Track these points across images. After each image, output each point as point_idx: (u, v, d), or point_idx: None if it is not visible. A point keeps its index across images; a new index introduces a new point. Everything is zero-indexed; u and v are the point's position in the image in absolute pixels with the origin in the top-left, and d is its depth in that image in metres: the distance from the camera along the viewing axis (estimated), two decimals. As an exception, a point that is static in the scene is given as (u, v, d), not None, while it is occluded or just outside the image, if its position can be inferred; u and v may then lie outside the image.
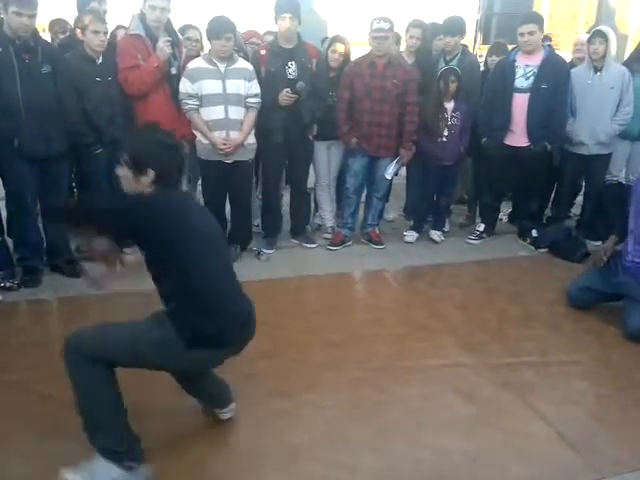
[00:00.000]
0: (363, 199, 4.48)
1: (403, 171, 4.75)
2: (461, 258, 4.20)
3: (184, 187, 4.05)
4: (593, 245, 4.34)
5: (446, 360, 2.83)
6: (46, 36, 4.13)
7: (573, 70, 4.34)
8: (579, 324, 3.24)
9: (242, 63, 3.74)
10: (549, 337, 3.09)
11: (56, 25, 4.12)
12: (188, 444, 2.20)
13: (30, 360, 2.72)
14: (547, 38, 5.14)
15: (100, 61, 3.49)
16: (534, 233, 4.42)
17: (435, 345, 2.98)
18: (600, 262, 3.32)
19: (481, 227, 4.56)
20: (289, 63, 3.85)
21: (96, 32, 3.39)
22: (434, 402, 2.50)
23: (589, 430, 2.35)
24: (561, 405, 2.50)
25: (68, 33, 4.15)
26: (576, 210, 4.91)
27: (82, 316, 3.15)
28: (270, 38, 4.34)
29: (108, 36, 3.59)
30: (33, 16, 3.12)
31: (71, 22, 4.23)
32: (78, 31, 3.53)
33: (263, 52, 3.93)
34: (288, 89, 3.77)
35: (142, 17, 3.60)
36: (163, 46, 3.54)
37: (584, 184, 4.66)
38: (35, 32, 3.30)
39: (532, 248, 4.39)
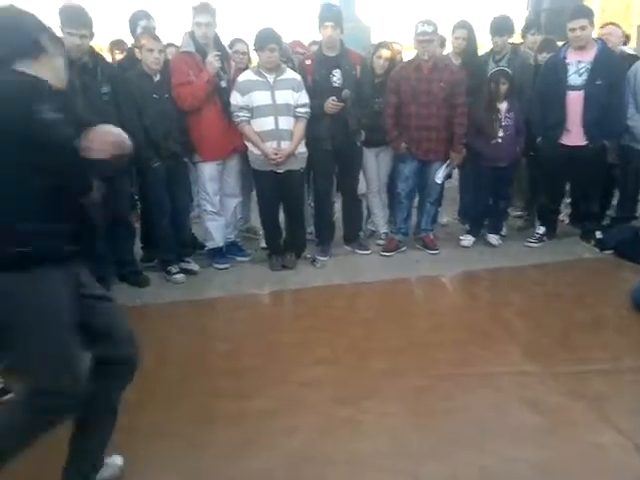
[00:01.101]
0: (416, 204, 4.43)
1: (456, 174, 4.68)
2: (520, 262, 4.08)
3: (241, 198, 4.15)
4: (662, 245, 4.14)
5: (510, 368, 2.74)
6: (106, 56, 4.30)
7: (637, 63, 4.16)
8: (651, 328, 3.08)
9: (290, 74, 3.79)
10: (619, 343, 2.95)
11: (115, 46, 4.31)
12: (252, 450, 2.22)
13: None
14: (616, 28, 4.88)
15: (157, 78, 3.62)
16: (598, 234, 4.25)
17: (498, 352, 2.89)
18: None
19: (541, 230, 4.41)
20: (333, 71, 3.88)
21: (151, 50, 3.52)
22: (499, 411, 2.42)
23: (669, 441, 2.22)
24: (637, 415, 2.37)
25: (125, 53, 4.31)
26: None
27: (145, 324, 3.26)
28: (315, 48, 4.39)
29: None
30: (84, 36, 3.24)
31: (129, 42, 4.42)
32: (137, 50, 3.67)
33: (308, 62, 3.98)
34: (334, 97, 3.79)
35: (192, 35, 3.71)
36: (212, 60, 3.63)
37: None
38: (94, 53, 3.45)
39: (597, 250, 4.22)
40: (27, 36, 1.67)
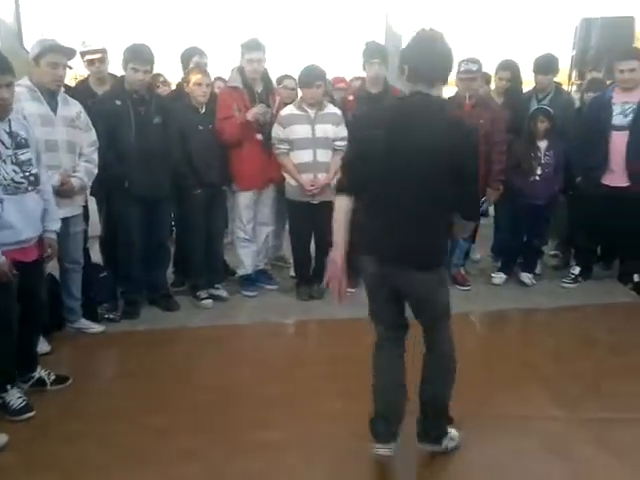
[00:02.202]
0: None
1: (491, 210, 4.64)
2: (554, 303, 3.99)
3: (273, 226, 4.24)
4: None
5: (536, 412, 2.68)
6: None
7: None
8: (688, 380, 2.95)
9: (331, 108, 3.90)
10: (653, 393, 2.84)
11: (153, 79, 4.53)
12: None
13: (127, 389, 2.91)
14: None
15: (203, 111, 3.79)
16: (637, 277, 4.12)
17: (525, 395, 2.83)
18: None
19: (576, 270, 4.31)
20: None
21: (199, 84, 3.70)
22: (520, 457, 2.36)
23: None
24: (666, 470, 2.28)
25: (162, 86, 4.52)
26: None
27: (173, 348, 3.36)
28: (357, 83, 4.49)
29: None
30: (148, 72, 3.51)
31: (167, 76, 4.65)
32: (185, 84, 3.86)
33: (351, 98, 4.07)
34: None
35: (241, 70, 3.87)
36: (257, 115, 3.75)
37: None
38: (150, 86, 3.68)
39: (634, 294, 4.09)
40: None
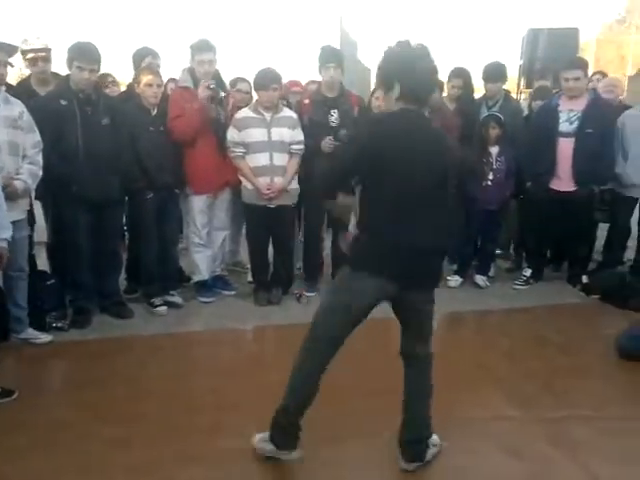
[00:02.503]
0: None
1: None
2: (507, 304, 4.09)
3: (229, 230, 4.17)
4: (649, 292, 4.15)
5: (492, 413, 2.72)
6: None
7: (626, 113, 4.30)
8: (634, 376, 3.07)
9: (287, 112, 3.88)
10: (603, 390, 2.94)
11: (101, 79, 4.41)
12: None
13: (77, 400, 2.79)
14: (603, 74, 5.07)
15: (155, 112, 3.69)
16: (585, 279, 4.28)
17: (481, 396, 2.88)
18: None
19: (528, 272, 4.44)
20: (332, 111, 3.96)
21: (150, 85, 3.60)
22: (478, 458, 2.39)
23: (649, 494, 2.19)
24: (618, 464, 2.35)
25: (111, 86, 4.40)
26: (630, 255, 4.72)
27: (126, 357, 3.24)
28: (313, 87, 4.49)
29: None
30: (94, 71, 3.38)
31: (118, 76, 4.52)
32: (136, 85, 3.75)
33: (307, 101, 4.06)
34: (331, 137, 3.85)
35: (191, 70, 3.80)
36: (202, 88, 3.69)
37: (637, 228, 4.49)
38: (97, 86, 3.55)
39: (583, 294, 4.24)
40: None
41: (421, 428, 2.31)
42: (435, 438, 2.37)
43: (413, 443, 2.29)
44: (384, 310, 2.30)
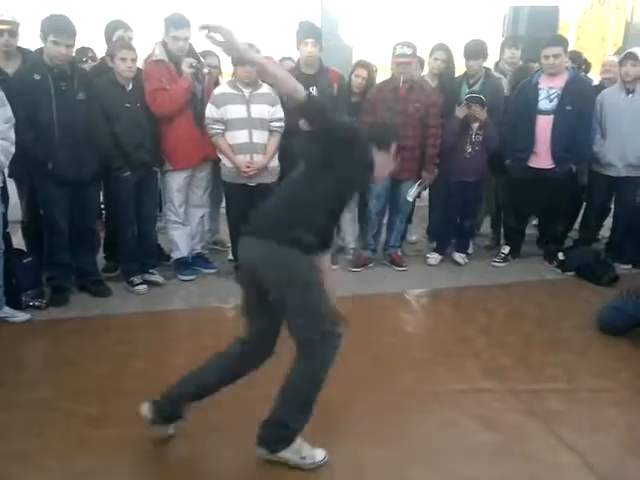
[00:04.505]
0: (385, 221, 4.48)
1: (426, 194, 4.74)
2: (485, 281, 4.15)
3: (208, 208, 4.14)
4: (622, 268, 4.25)
5: (468, 385, 2.77)
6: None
7: (604, 91, 4.31)
8: (609, 350, 3.15)
9: (266, 88, 3.81)
10: (577, 363, 3.01)
11: (81, 53, 4.30)
12: (203, 465, 2.18)
13: (56, 378, 2.78)
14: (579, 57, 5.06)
15: (130, 88, 3.60)
16: (561, 256, 4.34)
17: (458, 370, 2.93)
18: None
19: (506, 249, 4.50)
20: (310, 88, 3.90)
21: (124, 59, 3.50)
22: (455, 429, 2.45)
23: (619, 461, 2.27)
24: (590, 434, 2.42)
25: (90, 61, 4.28)
26: (605, 233, 4.81)
27: (106, 335, 3.22)
28: (289, 63, 4.43)
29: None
30: (70, 45, 3.29)
31: (97, 50, 4.40)
32: (108, 59, 3.66)
33: (285, 78, 4.00)
34: None
35: (165, 44, 3.71)
36: (187, 67, 3.64)
37: (613, 206, 4.57)
38: (72, 60, 3.46)
39: (559, 271, 4.31)
40: None
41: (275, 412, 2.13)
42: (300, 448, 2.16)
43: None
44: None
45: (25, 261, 3.53)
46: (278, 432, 2.13)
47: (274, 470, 2.15)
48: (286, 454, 2.14)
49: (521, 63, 4.81)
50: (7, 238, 3.36)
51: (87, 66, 4.07)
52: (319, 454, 2.18)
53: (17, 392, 2.64)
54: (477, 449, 2.32)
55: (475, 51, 4.36)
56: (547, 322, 3.48)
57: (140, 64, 3.79)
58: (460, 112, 4.15)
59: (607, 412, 2.59)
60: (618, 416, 2.57)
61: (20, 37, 3.60)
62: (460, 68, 4.79)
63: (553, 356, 3.07)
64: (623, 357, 3.06)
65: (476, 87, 4.34)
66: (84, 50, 4.17)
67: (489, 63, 4.67)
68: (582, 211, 4.71)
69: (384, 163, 2.24)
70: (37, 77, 3.24)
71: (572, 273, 4.24)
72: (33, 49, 3.67)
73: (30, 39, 3.54)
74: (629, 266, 4.33)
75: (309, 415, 2.12)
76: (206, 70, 3.81)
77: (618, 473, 2.19)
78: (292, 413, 2.11)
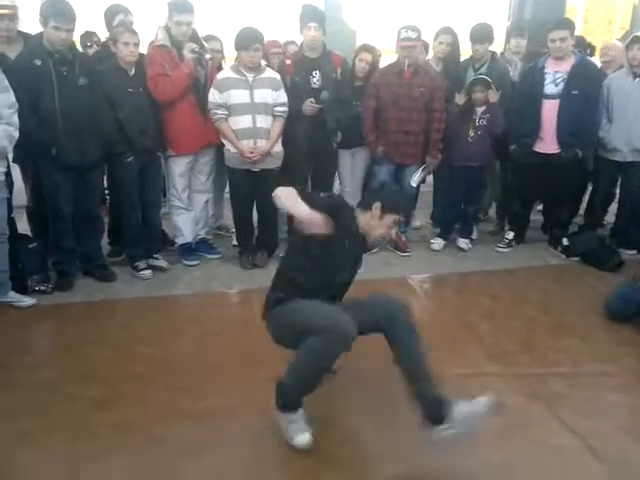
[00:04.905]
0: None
1: (430, 179, 4.72)
2: (489, 266, 4.14)
3: (211, 194, 4.14)
4: (627, 254, 4.23)
5: (472, 370, 2.78)
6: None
7: (611, 75, 4.26)
8: (612, 335, 3.15)
9: (269, 73, 3.79)
10: (580, 348, 3.01)
11: (86, 38, 4.27)
12: (210, 448, 2.21)
13: (62, 361, 2.81)
14: (582, 42, 4.99)
15: (132, 72, 3.59)
16: (565, 241, 4.33)
17: (461, 355, 2.94)
18: None
19: (510, 235, 4.48)
20: (313, 72, 3.89)
21: (126, 43, 3.48)
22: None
23: (621, 444, 2.27)
24: (592, 418, 2.43)
25: (95, 46, 4.26)
26: (610, 218, 4.79)
27: (110, 319, 3.25)
28: (292, 47, 4.40)
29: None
30: (70, 30, 3.27)
31: (100, 35, 4.37)
32: (111, 43, 3.64)
33: (289, 62, 3.98)
34: (312, 99, 3.80)
35: (168, 29, 3.69)
36: (190, 52, 3.62)
37: (618, 191, 4.54)
38: (73, 45, 3.44)
39: (563, 257, 4.30)
40: None
41: None
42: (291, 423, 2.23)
43: None
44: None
45: (30, 246, 3.54)
46: (278, 391, 2.21)
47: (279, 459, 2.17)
48: (279, 418, 2.23)
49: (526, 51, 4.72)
50: (12, 223, 3.38)
51: (92, 51, 4.05)
52: (300, 438, 2.19)
53: (22, 374, 2.67)
54: (480, 432, 2.33)
55: (481, 35, 4.31)
56: (551, 307, 3.48)
57: (143, 49, 3.77)
58: (460, 99, 4.12)
59: (610, 396, 2.60)
60: (620, 400, 2.57)
61: (21, 21, 3.59)
62: (465, 52, 4.74)
63: (557, 341, 3.07)
64: (627, 342, 3.06)
65: (482, 71, 4.30)
66: (88, 35, 4.16)
67: (495, 47, 4.62)
68: (587, 196, 4.69)
69: (369, 224, 2.31)
70: (38, 62, 3.23)
71: (577, 258, 4.22)
72: (33, 33, 3.66)
73: (30, 23, 3.51)
74: (634, 251, 4.30)
75: (305, 389, 2.18)
76: (208, 56, 3.78)
77: (619, 456, 2.20)
78: (292, 379, 2.17)
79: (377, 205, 2.29)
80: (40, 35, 3.31)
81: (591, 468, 2.15)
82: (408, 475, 2.11)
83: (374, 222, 2.32)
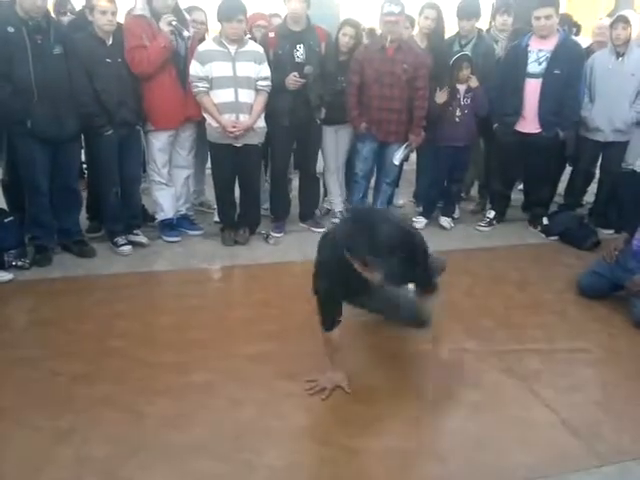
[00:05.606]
0: (372, 184, 4.46)
1: (414, 157, 4.72)
2: (470, 245, 4.18)
3: (192, 169, 4.09)
4: (605, 233, 4.30)
5: (451, 345, 2.80)
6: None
7: (595, 54, 4.26)
8: (587, 312, 3.22)
9: (252, 46, 3.72)
10: (556, 324, 3.08)
11: (59, 6, 4.13)
12: (192, 422, 2.23)
13: (41, 337, 2.78)
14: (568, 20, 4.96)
15: (110, 42, 3.48)
16: (545, 220, 4.39)
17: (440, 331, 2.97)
18: (611, 258, 3.29)
19: (491, 214, 4.52)
20: (297, 46, 3.83)
21: (104, 12, 3.37)
22: (437, 386, 2.50)
23: (593, 418, 2.34)
24: (566, 393, 2.49)
25: (69, 14, 4.13)
26: (589, 198, 4.85)
27: (90, 295, 3.22)
28: (276, 20, 4.31)
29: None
30: None
31: (73, 2, 4.23)
32: (87, 11, 3.52)
33: (272, 35, 3.90)
34: (295, 73, 3.75)
35: (149, 0, 3.58)
36: (165, 25, 3.52)
37: (598, 171, 4.59)
38: (47, 13, 3.32)
39: (542, 235, 4.35)
40: None
41: None
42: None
43: None
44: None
45: (7, 220, 3.47)
46: None
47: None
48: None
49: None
50: (-13, 197, 3.31)
51: (66, 19, 3.92)
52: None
53: (0, 351, 2.64)
54: (457, 406, 2.39)
55: (468, 11, 4.26)
56: (529, 285, 3.54)
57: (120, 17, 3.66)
58: (440, 97, 4.10)
59: (583, 371, 2.67)
60: (593, 375, 2.65)
61: None
62: (451, 28, 4.70)
63: (533, 318, 3.13)
64: (599, 319, 3.13)
65: (468, 48, 4.27)
66: (62, 2, 4.01)
67: (480, 24, 4.58)
68: (566, 176, 4.73)
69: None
70: (11, 30, 3.11)
71: (555, 238, 4.29)
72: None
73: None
74: (611, 231, 4.37)
75: None
76: (187, 33, 3.66)
77: (590, 429, 2.27)
78: None
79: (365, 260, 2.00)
80: (12, 1, 3.19)
81: (563, 440, 2.21)
82: (384, 447, 2.14)
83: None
